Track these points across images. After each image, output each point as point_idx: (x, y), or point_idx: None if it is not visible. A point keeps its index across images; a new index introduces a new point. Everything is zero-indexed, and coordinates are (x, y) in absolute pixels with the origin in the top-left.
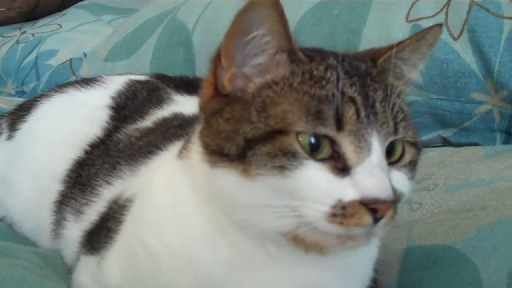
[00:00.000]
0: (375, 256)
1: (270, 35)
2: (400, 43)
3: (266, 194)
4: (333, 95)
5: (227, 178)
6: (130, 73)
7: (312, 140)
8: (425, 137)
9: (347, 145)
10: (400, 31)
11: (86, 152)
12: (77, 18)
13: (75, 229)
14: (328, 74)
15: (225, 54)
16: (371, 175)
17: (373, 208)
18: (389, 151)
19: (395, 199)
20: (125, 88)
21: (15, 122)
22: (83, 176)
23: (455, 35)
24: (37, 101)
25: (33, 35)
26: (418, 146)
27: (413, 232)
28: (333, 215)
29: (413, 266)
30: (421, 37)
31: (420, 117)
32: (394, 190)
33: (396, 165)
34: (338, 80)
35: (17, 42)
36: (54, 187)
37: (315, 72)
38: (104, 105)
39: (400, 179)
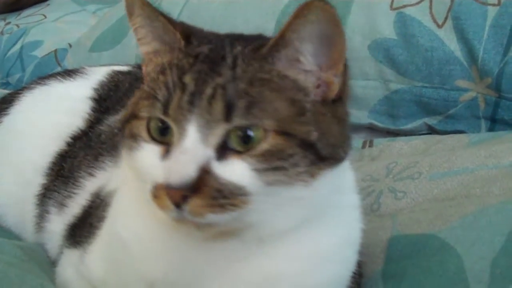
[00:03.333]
0: (357, 238)
1: (139, 24)
2: (285, 24)
3: (132, 174)
4: (172, 81)
5: None
6: (114, 64)
7: (159, 124)
8: (410, 125)
9: (174, 130)
10: (385, 19)
11: (69, 144)
12: (61, 8)
13: (58, 222)
14: (181, 62)
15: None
16: (174, 160)
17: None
18: (248, 139)
19: (199, 186)
20: (107, 79)
21: None
22: (65, 169)
23: (439, 22)
24: (19, 93)
25: (17, 26)
26: (290, 136)
27: (398, 221)
28: (155, 196)
29: (398, 255)
30: (299, 14)
31: (405, 105)
32: (214, 178)
33: (243, 155)
34: (182, 67)
35: (1, 33)
36: (36, 180)
37: (173, 61)
38: (86, 96)
39: (236, 169)
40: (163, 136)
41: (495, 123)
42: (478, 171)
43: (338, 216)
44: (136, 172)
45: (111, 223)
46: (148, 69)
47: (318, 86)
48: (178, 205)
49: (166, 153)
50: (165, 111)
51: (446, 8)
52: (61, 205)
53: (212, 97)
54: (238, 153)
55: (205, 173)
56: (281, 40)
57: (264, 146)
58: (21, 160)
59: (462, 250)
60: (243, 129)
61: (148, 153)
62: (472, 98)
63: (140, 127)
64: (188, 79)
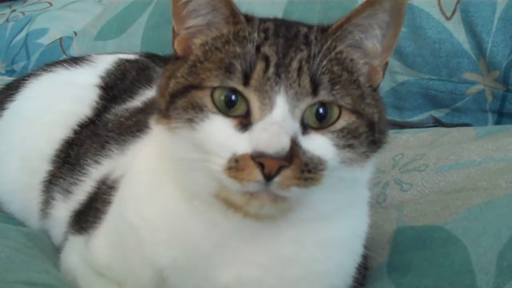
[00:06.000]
0: (364, 232)
1: None
2: (355, 10)
3: (184, 148)
4: (250, 52)
5: (161, 133)
6: (120, 52)
7: (225, 96)
8: (416, 118)
9: (253, 101)
10: None
11: (76, 132)
12: None
13: (63, 209)
14: (254, 35)
15: (174, 17)
16: (265, 131)
17: (261, 163)
18: (323, 116)
19: (291, 157)
20: (114, 67)
21: (3, 101)
22: (72, 156)
23: (448, 14)
24: (26, 80)
25: (23, 13)
26: (361, 115)
27: (404, 213)
28: (229, 168)
29: (404, 247)
30: (375, 1)
31: (412, 97)
32: (302, 151)
33: (323, 130)
34: (256, 39)
35: (7, 20)
36: (42, 167)
37: (241, 33)
38: (93, 84)
39: (319, 143)
40: (228, 108)
41: (502, 116)
42: (485, 164)
43: (354, 209)
44: (197, 144)
45: (119, 209)
46: (197, 41)
47: (368, 72)
48: (269, 177)
49: (242, 125)
50: (246, 82)
51: (455, 0)
52: (67, 192)
53: (299, 70)
54: (315, 129)
55: (294, 145)
56: (347, 24)
57: (341, 123)
58: (26, 146)
59: (469, 242)
60: (322, 106)
61: (219, 124)
62: (479, 91)
63: (205, 98)
64: (268, 51)
